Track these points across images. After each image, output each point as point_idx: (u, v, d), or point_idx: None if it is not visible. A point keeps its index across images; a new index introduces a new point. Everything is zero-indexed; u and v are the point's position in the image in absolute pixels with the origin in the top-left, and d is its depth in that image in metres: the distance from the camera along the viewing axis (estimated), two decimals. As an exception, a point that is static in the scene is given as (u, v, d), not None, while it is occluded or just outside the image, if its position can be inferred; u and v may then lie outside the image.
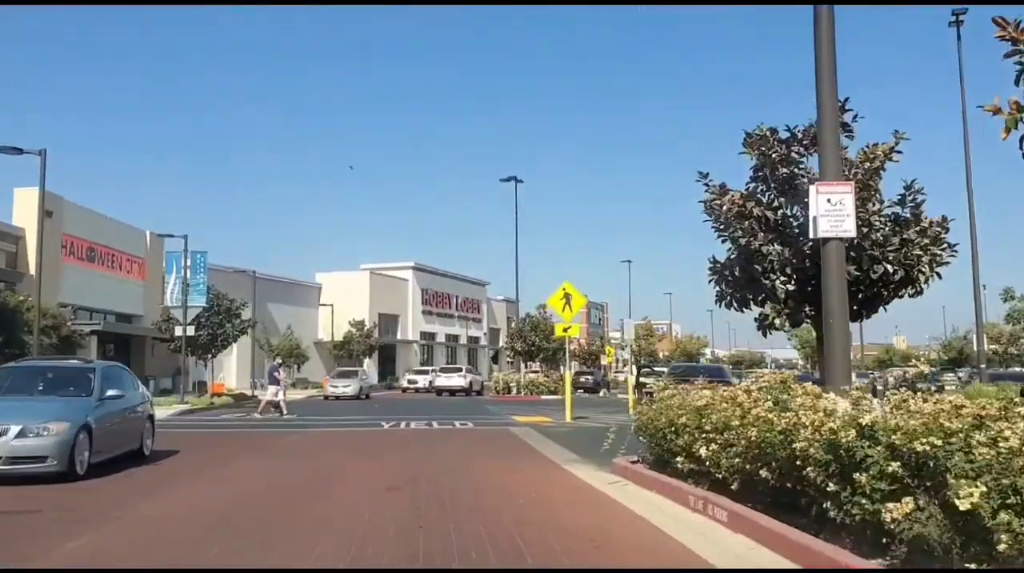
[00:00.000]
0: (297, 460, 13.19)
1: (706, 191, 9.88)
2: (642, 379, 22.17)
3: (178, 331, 29.83)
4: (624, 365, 78.98)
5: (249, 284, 56.20)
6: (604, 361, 53.01)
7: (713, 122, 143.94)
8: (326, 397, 38.60)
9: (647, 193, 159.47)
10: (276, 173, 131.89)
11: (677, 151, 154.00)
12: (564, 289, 21.94)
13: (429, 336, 77.78)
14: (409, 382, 51.85)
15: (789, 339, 49.04)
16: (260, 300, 58.26)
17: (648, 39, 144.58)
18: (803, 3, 8.05)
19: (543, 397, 40.31)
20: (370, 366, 64.80)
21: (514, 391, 41.83)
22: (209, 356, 34.05)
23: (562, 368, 53.75)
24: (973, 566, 4.44)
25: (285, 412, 24.40)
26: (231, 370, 54.27)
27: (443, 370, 50.29)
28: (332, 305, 62.00)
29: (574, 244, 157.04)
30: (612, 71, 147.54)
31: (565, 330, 21.82)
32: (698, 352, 62.87)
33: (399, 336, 72.58)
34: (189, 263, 29.13)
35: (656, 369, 24.56)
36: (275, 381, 25.22)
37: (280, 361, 28.27)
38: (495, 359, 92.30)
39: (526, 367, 45.32)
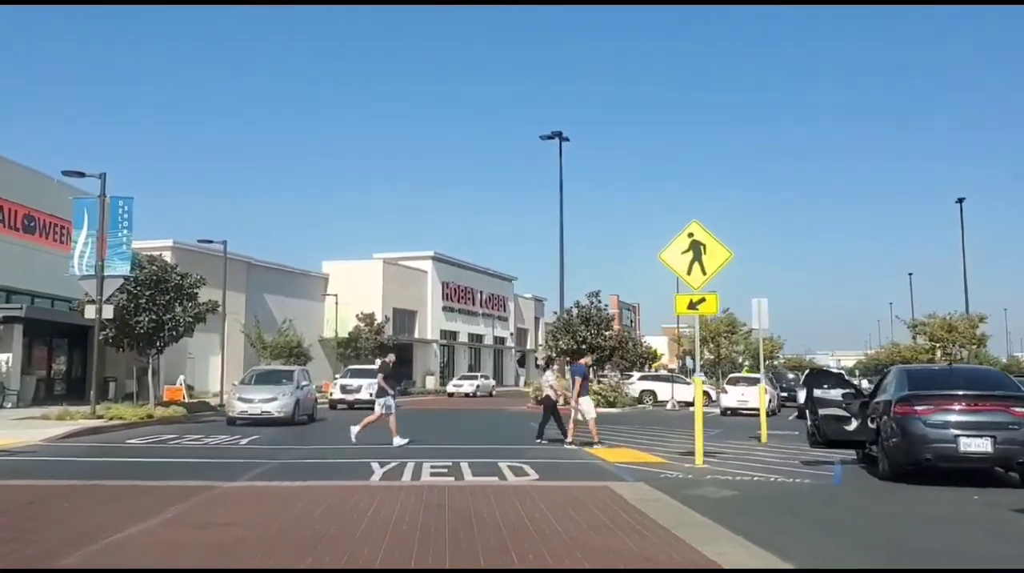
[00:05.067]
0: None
1: None
2: (818, 394, 12.80)
3: (89, 312, 20.87)
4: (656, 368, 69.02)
5: (237, 271, 47.78)
6: (665, 363, 43.14)
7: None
8: (230, 420, 21.54)
9: (670, 188, 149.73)
10: (280, 155, 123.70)
11: (694, 150, 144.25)
12: (690, 233, 12.68)
13: (450, 335, 68.72)
14: (344, 390, 32.23)
15: (915, 337, 39.31)
16: (255, 291, 49.60)
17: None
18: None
19: (598, 409, 30.95)
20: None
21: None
22: (154, 351, 25.04)
23: (620, 371, 44.25)
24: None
25: (597, 439, 15.78)
26: (217, 371, 45.78)
27: (353, 373, 33.95)
28: (336, 295, 52.98)
29: (596, 242, 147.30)
30: (636, 61, 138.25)
31: (693, 304, 12.55)
32: (772, 355, 53.24)
33: (416, 334, 63.57)
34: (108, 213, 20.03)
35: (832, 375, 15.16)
36: (586, 389, 16.43)
37: (583, 355, 18.92)
38: (521, 362, 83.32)
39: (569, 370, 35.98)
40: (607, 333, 33.76)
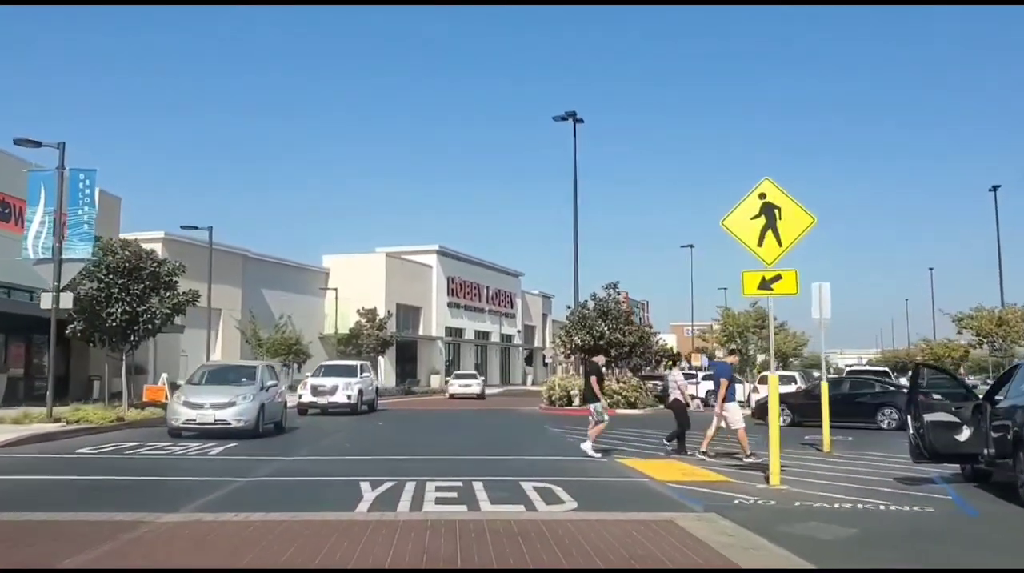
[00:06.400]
0: None
1: None
2: (922, 397, 10.15)
3: (45, 302, 18.38)
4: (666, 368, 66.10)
5: (233, 264, 45.37)
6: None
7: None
8: (172, 431, 16.51)
9: (674, 185, 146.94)
10: (279, 144, 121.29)
11: (695, 146, 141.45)
12: (761, 193, 10.13)
13: (456, 332, 66.18)
14: (316, 391, 26.71)
15: (960, 331, 36.75)
16: (252, 285, 47.14)
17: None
18: None
19: (618, 411, 28.48)
20: (386, 365, 53.46)
21: (576, 401, 30.03)
22: (128, 346, 22.55)
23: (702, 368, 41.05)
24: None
25: (748, 451, 13.06)
26: (211, 369, 43.30)
27: (328, 370, 28.44)
28: (336, 289, 50.46)
29: (599, 241, 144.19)
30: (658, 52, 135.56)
31: (766, 283, 9.99)
32: (794, 352, 50.45)
33: (421, 331, 61.08)
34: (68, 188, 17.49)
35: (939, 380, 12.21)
36: (732, 394, 13.47)
37: (731, 353, 15.70)
38: (529, 360, 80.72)
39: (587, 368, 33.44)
40: (627, 328, 31.16)
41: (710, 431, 13.63)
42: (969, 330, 35.21)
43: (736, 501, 8.80)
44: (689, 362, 59.07)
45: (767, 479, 10.15)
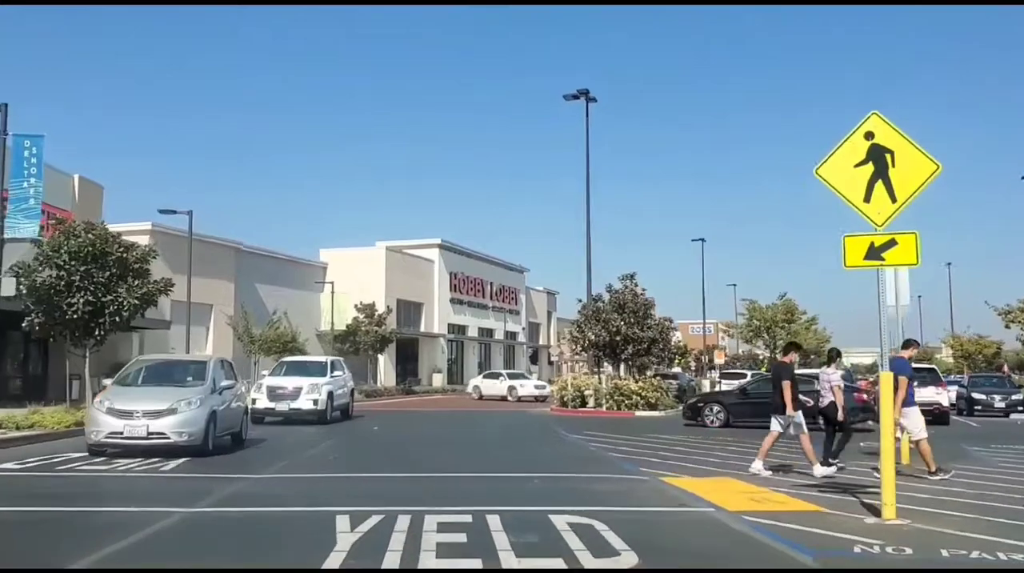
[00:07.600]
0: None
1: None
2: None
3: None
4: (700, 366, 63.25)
5: (225, 257, 42.98)
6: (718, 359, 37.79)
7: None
8: (93, 449, 12.57)
9: (676, 183, 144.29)
10: (278, 141, 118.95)
11: (694, 143, 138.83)
12: (868, 132, 7.68)
13: (459, 329, 63.69)
14: (274, 393, 21.60)
15: (1007, 326, 34.34)
16: (245, 279, 44.61)
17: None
18: None
19: (638, 413, 26.10)
20: (386, 363, 51.00)
21: (591, 403, 27.62)
22: (92, 341, 20.10)
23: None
24: None
25: (932, 467, 10.66)
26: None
27: (290, 368, 23.40)
28: (332, 283, 47.97)
29: (601, 239, 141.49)
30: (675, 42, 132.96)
31: (876, 250, 7.51)
32: (817, 349, 47.77)
33: (423, 328, 58.61)
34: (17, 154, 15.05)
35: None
36: (912, 396, 10.97)
37: (907, 345, 12.39)
38: (534, 359, 78.24)
39: (598, 367, 31.12)
40: (646, 322, 28.68)
41: (903, 445, 11.15)
42: (1018, 325, 32.89)
43: (857, 548, 6.32)
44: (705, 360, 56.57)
45: (874, 510, 7.71)
